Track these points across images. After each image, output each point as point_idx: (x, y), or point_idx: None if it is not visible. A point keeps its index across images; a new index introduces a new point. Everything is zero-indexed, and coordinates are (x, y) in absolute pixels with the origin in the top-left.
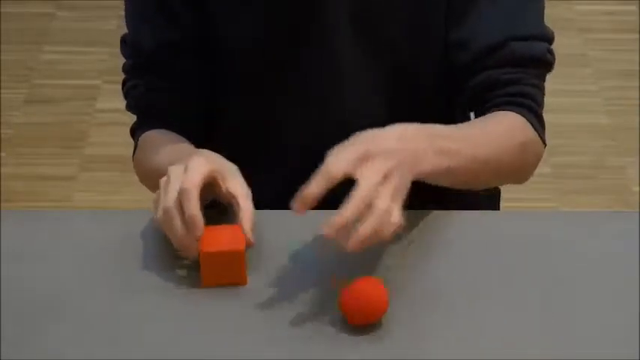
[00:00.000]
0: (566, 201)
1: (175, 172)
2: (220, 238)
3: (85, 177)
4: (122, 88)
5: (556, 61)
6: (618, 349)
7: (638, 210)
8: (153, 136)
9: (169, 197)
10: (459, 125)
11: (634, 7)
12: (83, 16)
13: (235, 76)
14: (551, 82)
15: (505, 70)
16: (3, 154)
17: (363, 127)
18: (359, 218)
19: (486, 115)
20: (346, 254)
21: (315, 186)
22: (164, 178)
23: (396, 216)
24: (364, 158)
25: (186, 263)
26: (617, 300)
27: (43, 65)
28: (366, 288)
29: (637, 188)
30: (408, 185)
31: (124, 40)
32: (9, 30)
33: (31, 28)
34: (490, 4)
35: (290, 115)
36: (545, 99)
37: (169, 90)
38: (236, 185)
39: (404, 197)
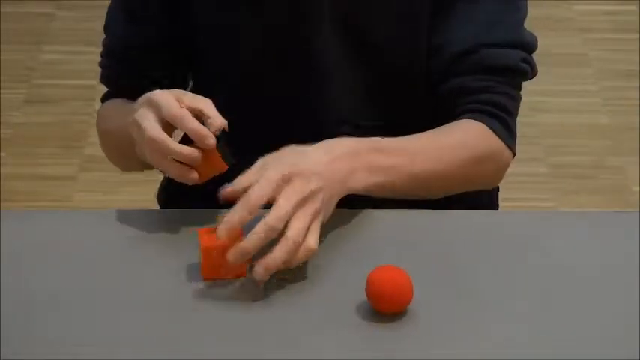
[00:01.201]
0: (565, 201)
1: (143, 111)
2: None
3: (85, 177)
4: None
5: (556, 61)
6: (618, 349)
7: (638, 210)
8: (112, 104)
9: (152, 126)
10: (406, 137)
11: (634, 7)
12: (83, 16)
13: (216, 76)
14: (551, 82)
15: (476, 77)
16: (3, 154)
17: (349, 128)
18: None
19: (444, 126)
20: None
21: (238, 216)
22: (134, 122)
23: (311, 242)
24: (286, 180)
25: (186, 263)
26: (617, 300)
27: (43, 65)
28: (395, 275)
29: (637, 188)
30: (333, 205)
31: (106, 23)
32: (9, 30)
33: (31, 28)
34: (467, 12)
35: (274, 116)
36: (545, 99)
37: (144, 83)
38: (195, 99)
39: (324, 220)
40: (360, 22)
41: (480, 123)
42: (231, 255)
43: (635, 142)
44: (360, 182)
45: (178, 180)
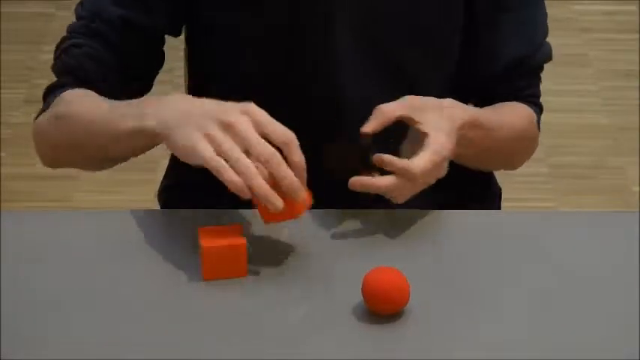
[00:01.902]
0: (566, 201)
1: (239, 118)
2: (221, 235)
3: (85, 177)
4: (57, 48)
5: (556, 61)
6: (618, 349)
7: (638, 210)
8: (82, 91)
9: (263, 142)
10: (485, 109)
11: (634, 7)
12: None
13: (226, 75)
14: (551, 82)
15: (523, 78)
16: (3, 154)
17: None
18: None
19: (503, 104)
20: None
21: (370, 125)
22: (214, 125)
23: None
24: (439, 165)
25: (186, 262)
26: (617, 300)
27: (43, 65)
28: (390, 276)
29: (637, 188)
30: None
31: (81, 3)
32: (9, 30)
33: (31, 28)
34: (513, 19)
35: (284, 116)
36: (545, 99)
37: (112, 65)
38: (283, 131)
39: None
40: (382, 37)
41: (529, 109)
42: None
43: (635, 142)
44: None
45: (262, 200)
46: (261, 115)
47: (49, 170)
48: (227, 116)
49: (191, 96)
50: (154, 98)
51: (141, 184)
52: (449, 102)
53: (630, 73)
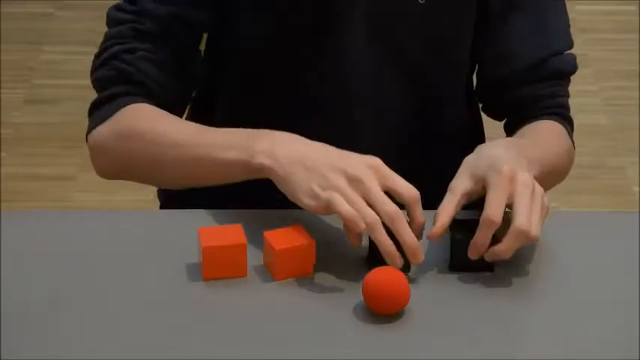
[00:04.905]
0: (566, 201)
1: (366, 173)
2: (221, 235)
3: (85, 177)
4: (97, 57)
5: None
6: (618, 350)
7: (638, 210)
8: (155, 108)
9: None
10: (524, 136)
11: (634, 7)
12: (83, 16)
13: (241, 75)
14: None
15: (544, 84)
16: (3, 154)
17: (368, 128)
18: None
19: (534, 123)
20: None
21: (483, 238)
22: (337, 177)
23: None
24: (511, 182)
25: (186, 263)
26: (617, 300)
27: (43, 65)
28: (391, 277)
29: (637, 188)
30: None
31: (118, 7)
32: (9, 30)
33: (31, 28)
34: (529, 18)
35: (295, 118)
36: None
37: (172, 68)
38: (404, 186)
39: (547, 202)
40: (389, 34)
41: (559, 124)
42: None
43: (635, 142)
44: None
45: (387, 256)
46: (386, 169)
47: (49, 170)
48: (354, 170)
49: (301, 137)
50: (264, 132)
51: (141, 184)
52: (508, 140)
53: (630, 73)
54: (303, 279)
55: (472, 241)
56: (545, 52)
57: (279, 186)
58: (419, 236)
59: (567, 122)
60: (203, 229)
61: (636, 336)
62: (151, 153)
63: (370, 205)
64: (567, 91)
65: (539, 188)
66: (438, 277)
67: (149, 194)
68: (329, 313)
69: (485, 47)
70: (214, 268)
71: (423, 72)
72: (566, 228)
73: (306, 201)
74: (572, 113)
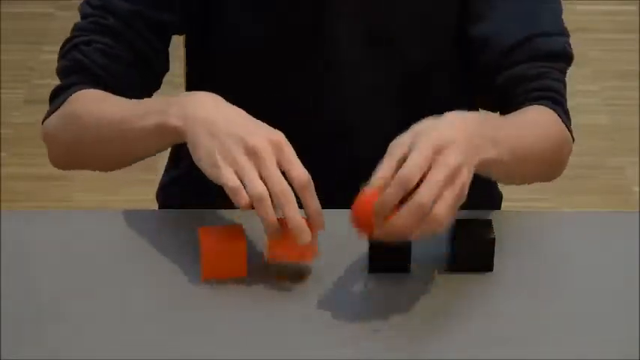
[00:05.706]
0: (565, 201)
1: (264, 146)
2: (221, 235)
3: (85, 177)
4: (61, 49)
5: None
6: (618, 350)
7: (638, 210)
8: (97, 92)
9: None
10: (503, 116)
11: (634, 7)
12: None
13: (240, 75)
14: None
15: (531, 65)
16: (3, 154)
17: (365, 132)
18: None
19: (523, 109)
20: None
21: (393, 195)
22: (236, 147)
23: (438, 211)
24: (436, 152)
25: (186, 262)
26: (617, 300)
27: (43, 65)
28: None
29: (637, 188)
30: (471, 178)
31: (87, 1)
32: (9, 30)
33: (31, 28)
34: (509, 2)
35: (289, 116)
36: None
37: (124, 61)
38: (297, 169)
39: (465, 194)
40: (382, 22)
41: (549, 109)
42: (377, 230)
43: (635, 142)
44: (487, 155)
45: (267, 235)
46: (288, 151)
47: (49, 170)
48: (253, 141)
49: (219, 99)
50: (183, 94)
51: (141, 184)
52: (468, 117)
53: (630, 73)
54: (303, 279)
55: (378, 198)
56: (529, 32)
57: (189, 149)
58: (319, 225)
59: (560, 107)
60: (203, 229)
61: (636, 336)
62: (89, 135)
63: (262, 179)
64: (560, 76)
65: (463, 176)
66: (438, 277)
67: (149, 194)
68: (329, 313)
69: (469, 31)
70: (214, 268)
71: (422, 72)
72: (566, 228)
73: (208, 170)
74: (572, 113)
